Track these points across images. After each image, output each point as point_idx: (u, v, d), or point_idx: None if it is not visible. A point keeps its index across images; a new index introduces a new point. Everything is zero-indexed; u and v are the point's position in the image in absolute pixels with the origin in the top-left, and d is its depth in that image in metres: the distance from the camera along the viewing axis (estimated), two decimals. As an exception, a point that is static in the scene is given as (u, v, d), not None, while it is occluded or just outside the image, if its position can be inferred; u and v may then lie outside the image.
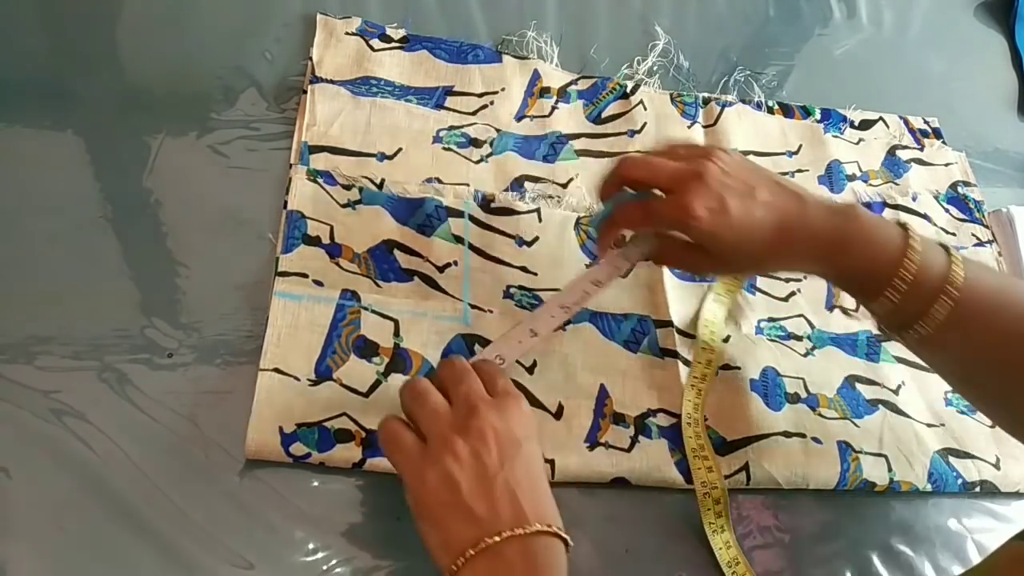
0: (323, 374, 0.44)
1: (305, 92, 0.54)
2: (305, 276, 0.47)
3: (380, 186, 0.51)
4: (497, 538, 0.33)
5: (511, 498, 0.35)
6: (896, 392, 0.53)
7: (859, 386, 0.53)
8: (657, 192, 0.42)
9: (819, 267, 0.41)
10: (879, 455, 0.49)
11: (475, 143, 0.55)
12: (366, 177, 0.51)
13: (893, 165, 0.65)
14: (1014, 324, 0.38)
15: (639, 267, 0.53)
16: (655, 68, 0.63)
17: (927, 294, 0.38)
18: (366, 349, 0.45)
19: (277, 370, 0.43)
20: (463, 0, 0.62)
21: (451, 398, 0.38)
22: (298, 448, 0.42)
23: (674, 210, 0.40)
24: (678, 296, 0.52)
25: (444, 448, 0.35)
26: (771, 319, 0.54)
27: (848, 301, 0.56)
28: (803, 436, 0.49)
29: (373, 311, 0.47)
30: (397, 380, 0.45)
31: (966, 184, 0.65)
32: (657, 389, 0.49)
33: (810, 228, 0.40)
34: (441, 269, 0.50)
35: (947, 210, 0.63)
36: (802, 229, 0.40)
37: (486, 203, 0.53)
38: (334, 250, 0.48)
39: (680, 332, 0.51)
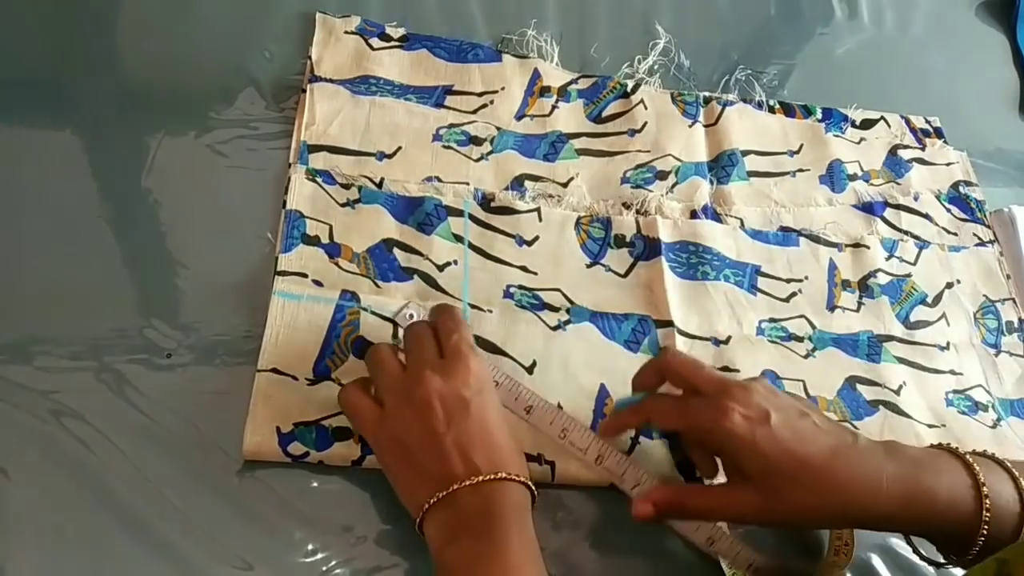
0: (321, 374, 0.44)
1: (304, 91, 0.54)
2: (304, 276, 0.47)
3: (379, 185, 0.51)
4: (454, 487, 0.36)
5: (462, 454, 0.37)
6: (897, 393, 0.53)
7: (860, 387, 0.53)
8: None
9: (894, 506, 0.36)
10: (880, 456, 0.49)
11: (475, 141, 0.55)
12: (365, 176, 0.51)
13: (894, 164, 0.65)
14: None
15: (639, 266, 0.53)
16: (656, 67, 0.63)
17: (1007, 527, 0.37)
18: (365, 350, 0.45)
19: (275, 370, 0.43)
20: (463, -1, 0.62)
21: (407, 363, 0.40)
22: (296, 447, 0.41)
23: (711, 408, 0.38)
24: (679, 296, 0.52)
25: (394, 415, 0.39)
26: (772, 320, 0.54)
27: (850, 302, 0.56)
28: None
29: (372, 312, 0.47)
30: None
31: (968, 184, 0.65)
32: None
33: (870, 461, 0.37)
34: (441, 268, 0.49)
35: (948, 210, 0.63)
36: (859, 461, 0.37)
37: (486, 202, 0.53)
38: (333, 250, 0.48)
39: (681, 332, 0.51)
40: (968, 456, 0.38)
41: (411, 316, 0.45)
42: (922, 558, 0.41)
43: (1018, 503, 0.37)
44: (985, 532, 0.36)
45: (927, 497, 0.37)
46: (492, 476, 0.37)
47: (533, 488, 0.39)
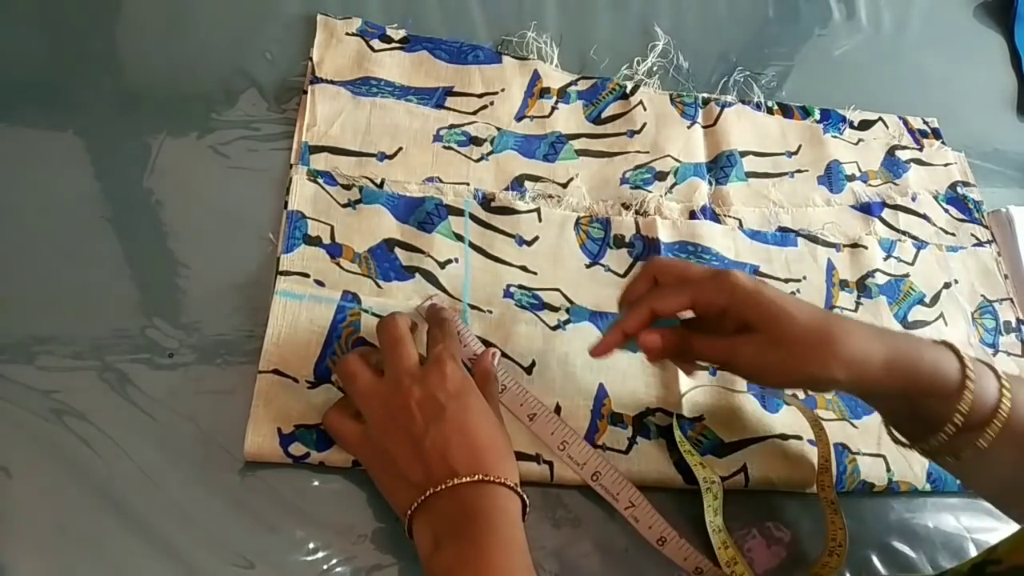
0: (322, 376, 0.44)
1: (305, 92, 0.54)
2: (307, 276, 0.47)
3: (380, 185, 0.52)
4: (431, 491, 0.37)
5: (440, 458, 0.37)
6: (895, 392, 0.53)
7: (858, 386, 0.53)
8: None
9: (882, 378, 0.38)
10: (877, 455, 0.49)
11: (475, 141, 0.55)
12: (366, 177, 0.52)
13: (892, 165, 0.65)
14: None
15: (639, 266, 0.53)
16: (655, 68, 0.64)
17: (977, 427, 0.38)
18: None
19: (276, 371, 0.44)
20: (463, 1, 0.62)
21: (385, 371, 0.41)
22: (297, 448, 0.42)
23: (713, 276, 0.39)
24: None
25: (375, 426, 0.39)
26: (770, 319, 0.54)
27: (848, 302, 0.56)
28: (799, 438, 0.49)
29: (373, 313, 0.47)
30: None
31: (965, 184, 0.65)
32: (656, 388, 0.49)
33: (862, 327, 0.39)
34: (442, 265, 0.50)
35: (946, 210, 0.64)
36: (855, 326, 0.39)
37: (486, 202, 0.53)
38: (335, 250, 0.48)
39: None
40: (961, 350, 0.39)
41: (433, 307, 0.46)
42: (895, 440, 0.43)
43: (997, 400, 0.38)
44: (963, 412, 0.37)
45: (912, 362, 0.38)
46: (469, 478, 0.37)
47: (522, 493, 0.38)
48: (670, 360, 0.44)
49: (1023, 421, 0.38)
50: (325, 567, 0.40)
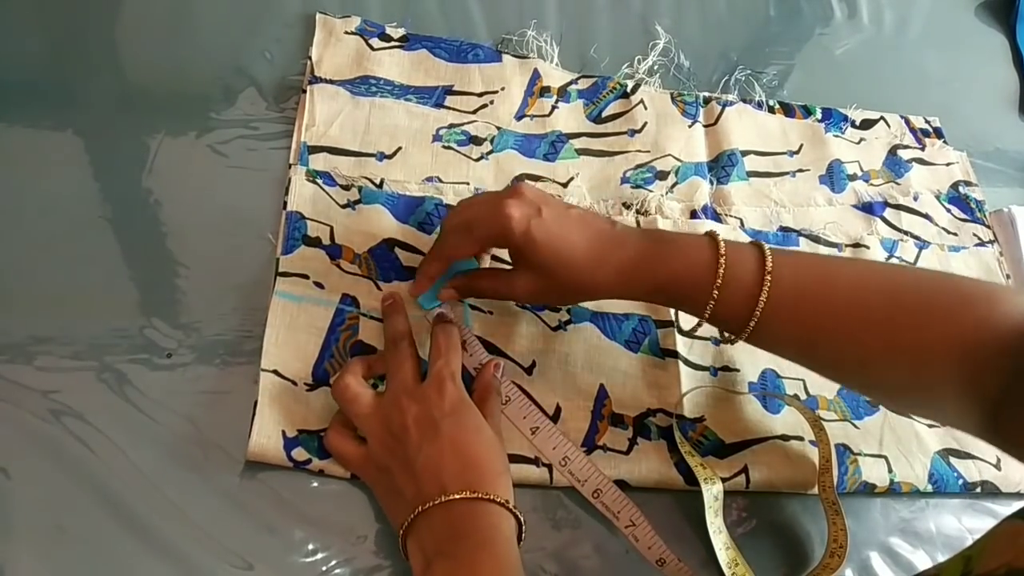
0: (320, 379, 0.44)
1: (304, 92, 0.54)
2: (306, 277, 0.47)
3: (380, 186, 0.51)
4: (420, 509, 0.37)
5: (433, 474, 0.38)
6: (897, 392, 0.53)
7: (859, 386, 0.53)
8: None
9: (636, 282, 0.42)
10: (879, 456, 0.49)
11: (475, 141, 0.55)
12: (366, 177, 0.51)
13: (894, 165, 0.65)
14: (836, 287, 0.40)
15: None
16: (655, 67, 0.63)
17: (748, 285, 0.40)
18: (363, 355, 0.45)
19: (276, 372, 0.43)
20: (463, 0, 0.62)
21: (386, 389, 0.42)
22: (300, 453, 0.42)
23: (492, 215, 0.41)
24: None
25: (376, 447, 0.40)
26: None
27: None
28: (801, 439, 0.49)
29: (372, 317, 0.47)
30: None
31: (967, 184, 0.65)
32: (657, 389, 0.49)
33: (624, 240, 0.42)
34: (441, 268, 0.49)
35: (948, 210, 0.63)
36: (616, 241, 0.42)
37: (486, 202, 0.53)
38: (334, 251, 0.48)
39: (681, 332, 0.51)
40: (720, 237, 0.41)
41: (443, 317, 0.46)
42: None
43: (756, 274, 0.40)
44: (715, 294, 0.40)
45: (666, 259, 0.41)
46: (459, 495, 0.37)
47: (516, 512, 0.38)
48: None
49: (790, 302, 0.40)
50: (324, 568, 0.40)
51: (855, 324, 0.40)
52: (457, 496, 0.37)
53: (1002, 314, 0.37)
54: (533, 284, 0.42)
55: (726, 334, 0.44)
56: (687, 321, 0.52)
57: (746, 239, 0.56)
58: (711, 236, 0.41)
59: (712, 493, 0.44)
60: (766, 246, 0.41)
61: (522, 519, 0.38)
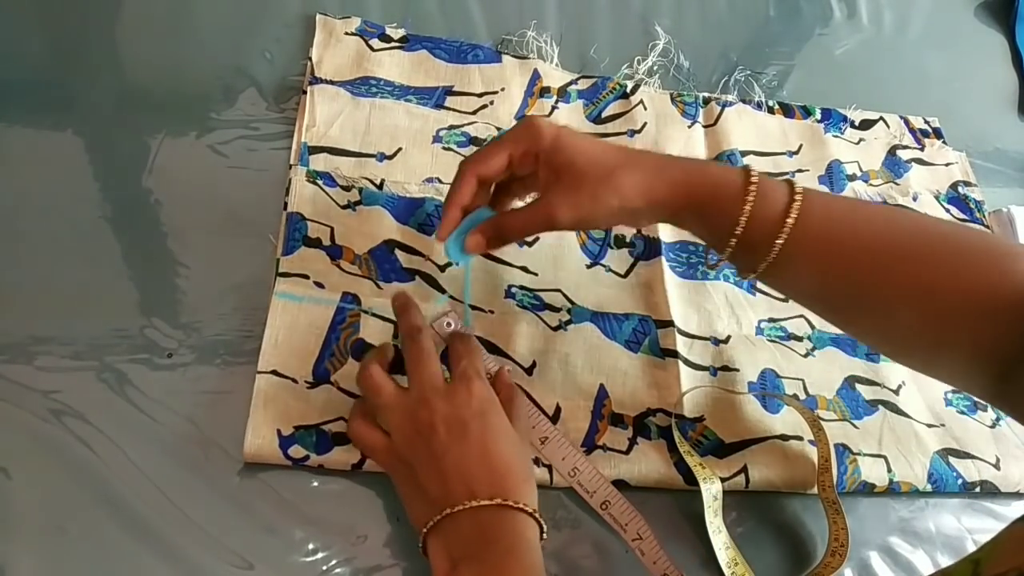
0: (321, 377, 0.44)
1: (305, 92, 0.54)
2: (306, 277, 0.47)
3: (380, 186, 0.51)
4: (448, 511, 0.37)
5: (461, 477, 0.37)
6: (896, 392, 0.53)
7: (859, 387, 0.53)
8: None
9: (667, 187, 0.40)
10: (878, 456, 0.49)
11: (475, 142, 0.55)
12: (366, 178, 0.51)
13: (894, 165, 0.65)
14: (867, 223, 0.40)
15: (639, 266, 0.53)
16: (655, 68, 0.63)
17: (776, 209, 0.39)
18: (364, 353, 0.45)
19: (275, 372, 0.43)
20: (463, 0, 0.62)
21: (409, 385, 0.41)
22: (296, 451, 0.42)
23: (521, 127, 0.41)
24: (679, 295, 0.52)
25: (400, 440, 0.39)
26: (771, 320, 0.54)
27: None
28: (800, 439, 0.49)
29: (373, 314, 0.47)
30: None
31: (966, 184, 0.65)
32: (657, 388, 0.49)
33: (652, 155, 0.41)
34: (443, 268, 0.50)
35: (948, 210, 0.63)
36: (645, 155, 0.41)
37: (487, 202, 0.53)
38: (335, 252, 0.48)
39: (681, 332, 0.51)
40: (755, 169, 0.40)
41: (449, 325, 0.46)
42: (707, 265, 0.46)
43: (784, 210, 0.39)
44: (742, 221, 0.39)
45: (695, 177, 0.40)
46: (489, 501, 0.37)
47: (540, 520, 0.38)
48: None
49: (818, 234, 0.39)
50: (324, 568, 0.40)
51: (881, 260, 0.39)
52: (487, 503, 0.37)
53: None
54: (567, 197, 0.40)
55: (747, 270, 0.42)
56: (685, 322, 0.52)
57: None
58: (745, 169, 0.41)
59: (711, 493, 0.44)
60: (796, 183, 0.40)
61: (544, 525, 0.39)
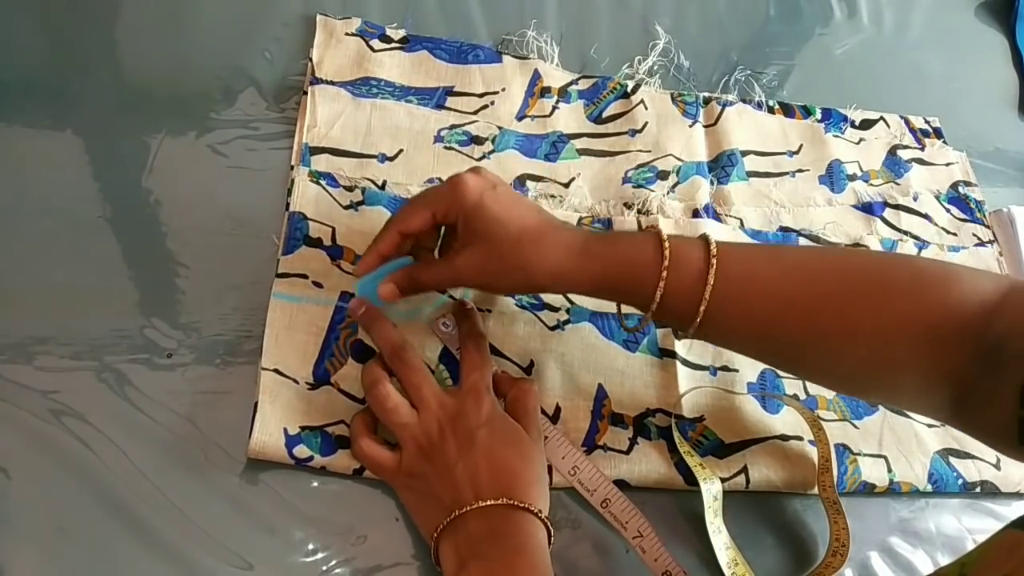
0: (321, 377, 0.44)
1: (305, 93, 0.54)
2: (305, 277, 0.47)
3: (382, 187, 0.51)
4: (456, 512, 0.38)
5: (471, 480, 0.38)
6: (896, 392, 0.53)
7: (859, 386, 0.53)
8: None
9: (582, 261, 0.40)
10: (879, 456, 0.49)
11: (477, 141, 0.55)
12: (368, 179, 0.51)
13: (894, 165, 0.65)
14: (790, 270, 0.40)
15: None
16: (656, 68, 0.63)
17: (696, 271, 0.39)
18: (364, 353, 0.45)
19: (277, 371, 0.43)
20: (463, 0, 0.62)
21: (414, 402, 0.41)
22: (301, 451, 0.41)
23: (448, 184, 0.42)
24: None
25: (412, 455, 0.40)
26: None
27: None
28: (800, 439, 0.49)
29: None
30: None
31: (967, 184, 0.65)
32: (656, 388, 0.49)
33: (570, 227, 0.42)
34: (441, 269, 0.49)
35: (948, 210, 0.63)
36: (563, 226, 0.42)
37: (487, 202, 0.53)
38: (335, 252, 0.48)
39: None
40: (664, 233, 0.40)
41: (446, 325, 0.46)
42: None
43: (701, 270, 0.39)
44: (662, 282, 0.39)
45: (613, 245, 0.41)
46: (496, 501, 0.38)
47: (547, 523, 0.39)
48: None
49: (739, 294, 0.39)
50: (324, 568, 0.40)
51: (809, 308, 0.39)
52: (493, 502, 0.38)
53: (960, 294, 0.37)
54: (475, 260, 0.41)
55: (678, 332, 0.43)
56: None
57: (746, 239, 0.56)
58: (654, 229, 0.41)
59: (711, 493, 0.44)
60: (712, 238, 0.40)
61: (552, 530, 0.39)
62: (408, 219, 0.43)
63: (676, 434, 0.46)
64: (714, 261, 0.39)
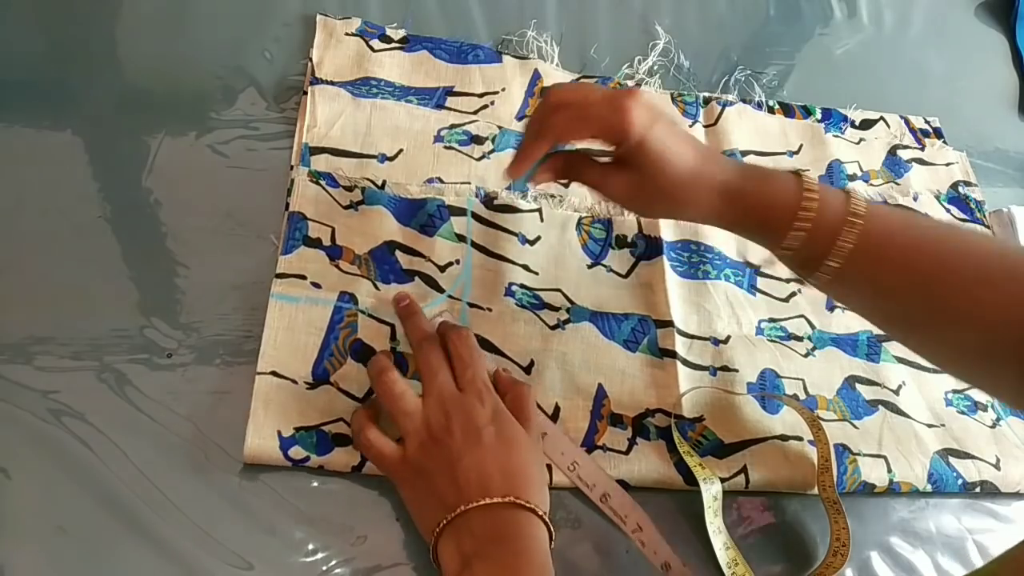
0: (320, 377, 0.44)
1: (305, 93, 0.54)
2: (304, 278, 0.47)
3: (382, 187, 0.51)
4: (461, 508, 0.37)
5: (477, 478, 0.38)
6: (896, 392, 0.53)
7: (859, 387, 0.53)
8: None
9: (726, 204, 0.41)
10: (878, 456, 0.49)
11: (477, 140, 0.55)
12: (368, 179, 0.51)
13: (894, 165, 0.65)
14: (920, 244, 0.40)
15: (640, 265, 0.53)
16: (656, 68, 0.63)
17: (831, 227, 0.39)
18: (363, 353, 0.45)
19: (275, 373, 0.43)
20: (463, 0, 0.62)
21: (425, 390, 0.42)
22: (297, 452, 0.41)
23: (613, 109, 0.40)
24: (679, 295, 0.52)
25: (416, 448, 0.40)
26: (772, 320, 0.54)
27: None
28: (800, 439, 0.49)
29: (370, 315, 0.47)
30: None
31: (967, 184, 0.65)
32: (655, 388, 0.49)
33: (725, 164, 0.42)
34: (443, 268, 0.49)
35: (948, 210, 0.63)
36: (719, 162, 0.42)
37: (489, 200, 0.53)
38: (335, 252, 0.48)
39: (680, 332, 0.51)
40: (808, 177, 0.41)
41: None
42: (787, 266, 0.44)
43: (843, 212, 0.39)
44: (805, 221, 0.39)
45: (753, 198, 0.41)
46: (502, 499, 0.37)
47: (550, 524, 0.39)
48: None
49: (884, 226, 0.39)
50: (324, 568, 0.40)
51: (934, 282, 0.39)
52: (500, 500, 0.37)
53: None
54: (630, 184, 0.42)
55: (801, 279, 0.43)
56: (685, 322, 0.52)
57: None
58: (797, 173, 0.42)
59: (711, 493, 0.44)
60: (854, 193, 0.40)
61: (554, 532, 0.39)
62: (564, 130, 0.42)
63: (676, 434, 0.46)
64: (853, 220, 0.39)
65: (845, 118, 0.66)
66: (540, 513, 0.38)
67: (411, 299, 0.46)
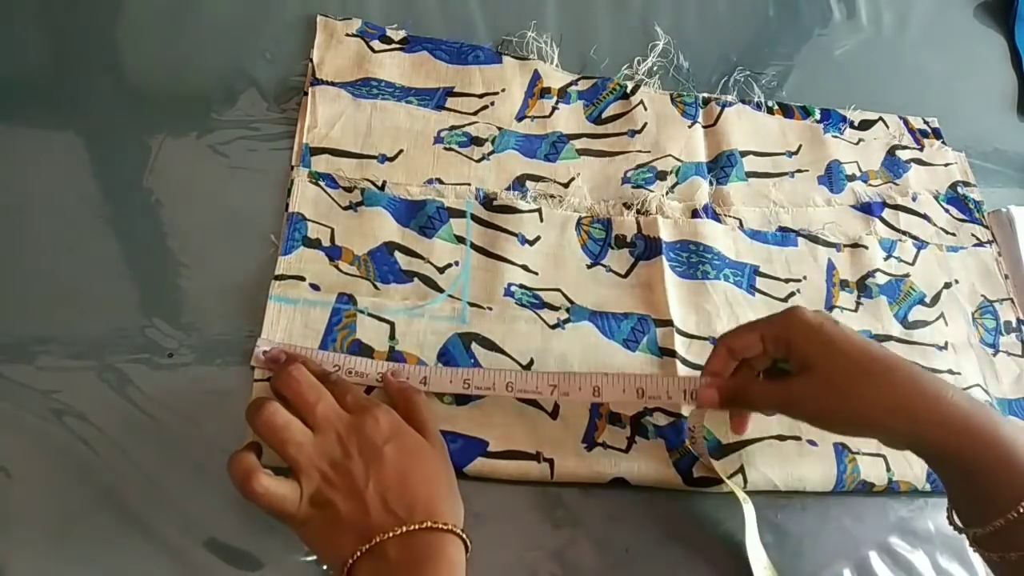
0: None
1: (306, 94, 0.54)
2: (302, 279, 0.47)
3: (382, 188, 0.52)
4: (377, 539, 0.35)
5: (382, 503, 0.36)
6: (895, 392, 0.53)
7: (858, 386, 0.53)
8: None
9: (936, 444, 0.36)
10: (877, 455, 0.49)
11: (476, 141, 0.55)
12: (367, 179, 0.52)
13: (893, 165, 0.65)
14: None
15: (640, 266, 0.53)
16: (655, 68, 0.63)
17: None
18: (362, 354, 0.45)
19: (270, 379, 0.43)
20: (463, 1, 0.62)
21: (307, 421, 0.38)
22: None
23: (783, 312, 0.40)
24: (678, 295, 0.52)
25: (315, 480, 0.37)
26: (771, 319, 0.54)
27: (848, 302, 0.56)
28: (798, 439, 0.49)
29: (369, 314, 0.47)
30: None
31: (966, 184, 0.65)
32: (656, 388, 0.49)
33: (938, 390, 0.36)
34: (442, 270, 0.50)
35: (947, 210, 0.64)
36: (928, 383, 0.37)
37: (488, 201, 0.53)
38: (334, 253, 0.48)
39: (679, 332, 0.51)
40: None
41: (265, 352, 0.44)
42: (952, 524, 0.39)
43: None
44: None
45: (990, 425, 0.35)
46: (417, 526, 0.35)
47: (463, 536, 0.37)
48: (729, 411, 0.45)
49: None
50: (325, 567, 0.40)
51: None
52: (416, 527, 0.35)
53: None
54: (813, 389, 0.38)
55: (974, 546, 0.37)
56: (684, 322, 0.52)
57: (745, 239, 0.56)
58: None
59: (752, 515, 0.44)
60: None
61: (468, 542, 0.37)
62: (736, 337, 0.42)
63: (689, 443, 0.46)
64: None
65: (844, 119, 0.66)
66: (457, 532, 0.37)
67: (289, 353, 0.43)
